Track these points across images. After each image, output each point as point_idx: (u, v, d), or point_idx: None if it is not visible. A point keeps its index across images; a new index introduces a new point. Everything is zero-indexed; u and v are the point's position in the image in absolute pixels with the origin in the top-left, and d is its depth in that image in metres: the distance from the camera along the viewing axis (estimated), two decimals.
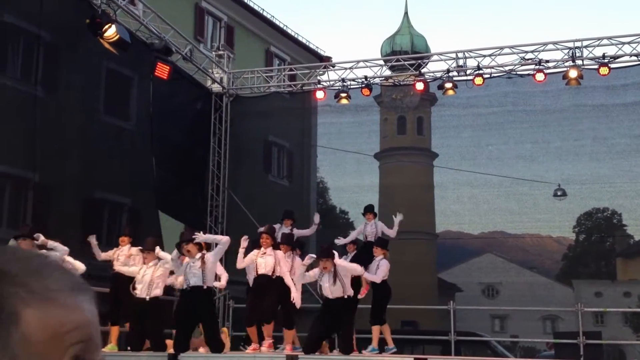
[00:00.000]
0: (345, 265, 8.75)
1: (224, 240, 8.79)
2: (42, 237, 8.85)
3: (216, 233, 15.01)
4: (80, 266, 9.26)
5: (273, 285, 9.14)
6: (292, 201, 17.16)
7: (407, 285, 21.77)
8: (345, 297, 8.39)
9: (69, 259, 9.04)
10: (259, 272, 9.14)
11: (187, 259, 8.58)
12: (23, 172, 12.19)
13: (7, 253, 0.82)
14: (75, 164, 12.92)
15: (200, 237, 8.70)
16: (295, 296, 8.84)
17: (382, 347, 10.26)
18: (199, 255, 8.44)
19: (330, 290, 8.45)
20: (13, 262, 0.80)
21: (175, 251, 8.67)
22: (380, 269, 9.83)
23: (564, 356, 12.07)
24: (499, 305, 26.41)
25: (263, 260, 9.15)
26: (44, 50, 12.94)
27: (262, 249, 9.30)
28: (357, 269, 8.92)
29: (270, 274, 9.13)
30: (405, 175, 22.89)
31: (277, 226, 11.76)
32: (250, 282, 9.67)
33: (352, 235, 12.25)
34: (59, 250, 8.76)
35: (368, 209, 12.16)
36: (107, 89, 14.59)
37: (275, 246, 9.38)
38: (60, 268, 0.82)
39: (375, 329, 9.82)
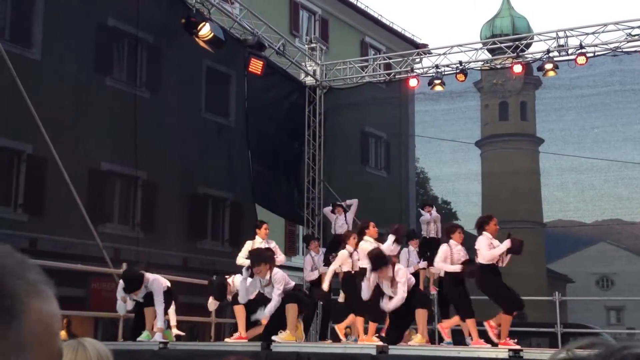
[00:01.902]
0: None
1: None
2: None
3: (312, 226, 15.16)
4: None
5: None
6: (390, 192, 17.01)
7: (513, 275, 21.05)
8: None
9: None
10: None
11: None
12: (131, 171, 12.67)
13: (4, 251, 0.83)
14: (180, 161, 13.35)
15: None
16: None
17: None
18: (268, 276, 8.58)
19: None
20: (6, 256, 0.82)
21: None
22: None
23: None
24: (614, 297, 25.19)
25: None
26: (146, 52, 13.42)
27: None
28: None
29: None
30: (508, 162, 22.23)
31: (333, 216, 11.83)
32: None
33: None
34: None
35: (426, 202, 11.96)
36: (207, 87, 14.95)
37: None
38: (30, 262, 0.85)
39: (470, 322, 9.58)
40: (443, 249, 9.19)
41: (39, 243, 10.75)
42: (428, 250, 11.38)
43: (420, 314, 8.72)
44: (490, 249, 8.69)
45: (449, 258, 9.05)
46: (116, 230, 12.71)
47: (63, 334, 13.09)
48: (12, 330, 0.77)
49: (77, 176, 10.83)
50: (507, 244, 8.92)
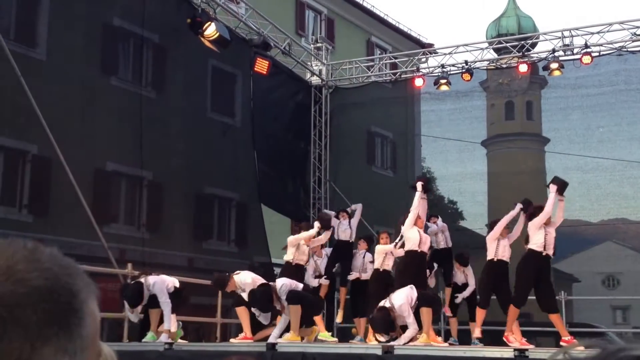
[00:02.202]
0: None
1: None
2: None
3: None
4: None
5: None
6: (397, 192, 16.95)
7: None
8: None
9: None
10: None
11: None
12: (136, 171, 12.67)
13: (57, 254, 0.86)
14: (185, 161, 13.33)
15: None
16: None
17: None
18: None
19: None
20: (63, 258, 0.85)
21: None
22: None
23: None
24: (620, 296, 25.12)
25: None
26: (152, 52, 13.43)
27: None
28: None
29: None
30: (514, 162, 22.12)
31: (337, 221, 11.52)
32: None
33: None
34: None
35: (431, 213, 11.71)
36: (212, 87, 14.94)
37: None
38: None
39: (480, 312, 9.72)
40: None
41: (43, 244, 10.77)
42: (438, 261, 11.06)
43: (425, 313, 8.73)
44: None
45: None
46: (121, 230, 12.70)
47: None
48: (79, 330, 0.79)
49: (83, 176, 10.83)
50: (553, 189, 9.03)
